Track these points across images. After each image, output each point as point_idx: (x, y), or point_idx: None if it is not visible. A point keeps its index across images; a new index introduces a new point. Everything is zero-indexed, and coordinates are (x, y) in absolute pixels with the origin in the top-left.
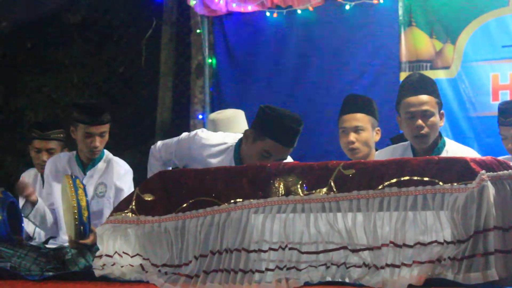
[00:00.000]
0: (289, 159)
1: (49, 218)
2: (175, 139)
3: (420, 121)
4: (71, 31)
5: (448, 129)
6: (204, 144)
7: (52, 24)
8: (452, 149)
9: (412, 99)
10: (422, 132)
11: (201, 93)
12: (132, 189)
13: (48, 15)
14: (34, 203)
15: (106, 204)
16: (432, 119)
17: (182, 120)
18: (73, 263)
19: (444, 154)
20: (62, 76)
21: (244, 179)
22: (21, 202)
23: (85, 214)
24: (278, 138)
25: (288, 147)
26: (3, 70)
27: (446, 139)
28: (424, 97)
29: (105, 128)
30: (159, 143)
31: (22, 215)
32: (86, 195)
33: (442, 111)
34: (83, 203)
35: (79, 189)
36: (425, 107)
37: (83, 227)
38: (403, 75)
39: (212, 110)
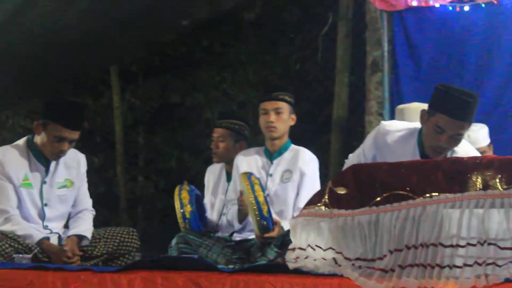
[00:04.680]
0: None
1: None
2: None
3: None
4: (246, 28)
5: None
6: (387, 130)
7: (227, 22)
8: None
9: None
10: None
11: (377, 89)
12: (316, 177)
13: (224, 13)
14: None
15: (290, 187)
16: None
17: (357, 116)
18: (257, 256)
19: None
20: (239, 73)
21: (439, 172)
22: None
23: (265, 208)
24: (448, 111)
25: (459, 120)
26: (182, 67)
27: None
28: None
29: (280, 104)
30: (350, 155)
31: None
32: (263, 189)
33: None
34: (261, 199)
35: (255, 185)
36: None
37: (265, 221)
38: None
39: (391, 106)
